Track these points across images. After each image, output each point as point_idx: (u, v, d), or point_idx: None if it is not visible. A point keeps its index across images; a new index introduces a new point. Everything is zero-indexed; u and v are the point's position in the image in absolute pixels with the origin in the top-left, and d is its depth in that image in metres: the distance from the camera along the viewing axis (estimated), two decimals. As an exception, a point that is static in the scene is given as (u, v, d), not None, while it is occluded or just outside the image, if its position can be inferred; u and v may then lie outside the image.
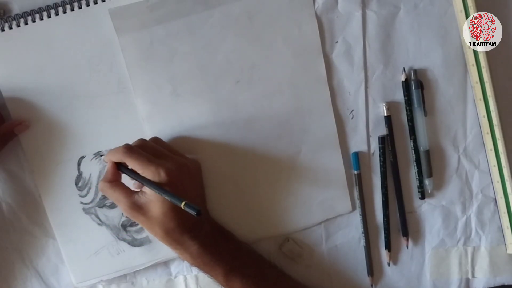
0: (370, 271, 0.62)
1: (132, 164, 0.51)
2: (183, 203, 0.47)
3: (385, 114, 0.59)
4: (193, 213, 0.46)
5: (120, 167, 0.53)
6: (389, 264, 0.62)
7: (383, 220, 0.61)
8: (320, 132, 0.59)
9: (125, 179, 0.54)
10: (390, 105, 0.60)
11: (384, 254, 0.63)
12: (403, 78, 0.59)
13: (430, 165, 0.60)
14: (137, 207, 0.52)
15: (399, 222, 0.62)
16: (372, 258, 0.62)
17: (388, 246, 0.62)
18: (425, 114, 0.60)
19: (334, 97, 0.59)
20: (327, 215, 0.61)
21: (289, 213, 0.60)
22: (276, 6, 0.57)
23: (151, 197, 0.51)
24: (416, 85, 0.59)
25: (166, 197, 0.49)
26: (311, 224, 0.61)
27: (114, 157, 0.52)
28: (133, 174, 0.52)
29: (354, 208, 0.61)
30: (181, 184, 0.52)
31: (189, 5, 0.56)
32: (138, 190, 0.53)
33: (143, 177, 0.51)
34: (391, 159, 0.60)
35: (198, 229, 0.54)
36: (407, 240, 0.62)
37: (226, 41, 0.57)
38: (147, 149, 0.53)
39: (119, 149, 0.52)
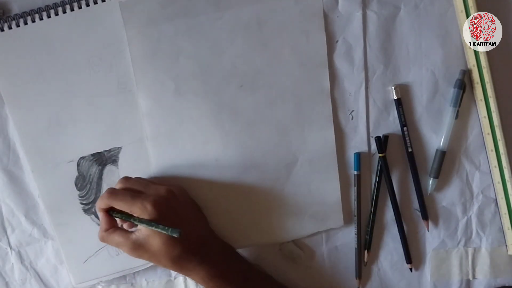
0: (358, 274, 0.62)
1: (118, 205, 0.52)
2: (160, 227, 0.49)
3: (395, 97, 0.59)
4: (175, 235, 0.48)
5: (111, 212, 0.54)
6: (365, 264, 0.62)
7: (370, 219, 0.61)
8: (318, 144, 0.59)
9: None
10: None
11: (384, 254, 0.63)
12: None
13: (441, 167, 0.60)
14: (139, 246, 0.52)
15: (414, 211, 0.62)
16: (372, 259, 0.62)
17: (368, 247, 0.62)
18: (456, 117, 0.59)
19: (334, 98, 0.59)
20: (318, 228, 0.61)
21: (281, 223, 0.60)
22: (286, 15, 0.57)
23: (147, 232, 0.51)
24: (460, 85, 0.59)
25: (155, 228, 0.50)
26: (301, 236, 0.61)
27: (101, 204, 0.53)
28: (123, 215, 0.53)
29: (346, 223, 0.61)
30: (172, 212, 0.53)
31: (200, 5, 0.56)
32: (133, 229, 0.54)
33: (132, 215, 0.52)
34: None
35: (206, 251, 0.54)
36: (427, 223, 0.62)
37: (233, 44, 0.57)
38: (129, 185, 0.54)
39: (103, 195, 0.52)
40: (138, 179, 0.56)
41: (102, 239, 0.54)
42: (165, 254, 0.52)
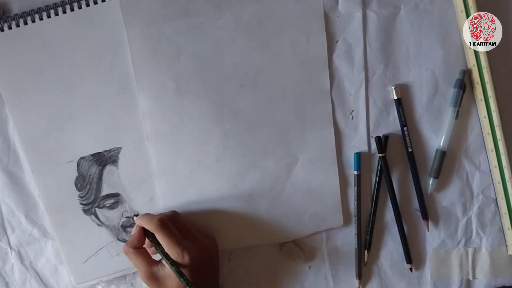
0: (358, 274, 0.62)
1: (161, 239, 0.52)
2: (184, 279, 0.51)
3: (395, 97, 0.59)
4: None
5: (147, 233, 0.54)
6: (365, 264, 0.62)
7: (370, 219, 0.61)
8: (318, 144, 0.59)
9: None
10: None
11: (384, 254, 0.62)
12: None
13: (441, 167, 0.60)
14: (154, 278, 0.53)
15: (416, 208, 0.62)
16: (372, 259, 0.62)
17: (368, 247, 0.62)
18: (456, 117, 0.59)
19: (334, 98, 0.59)
20: (318, 228, 0.61)
21: (280, 222, 0.60)
22: (287, 15, 0.57)
23: (169, 272, 0.53)
24: (460, 85, 0.59)
25: (181, 281, 0.51)
26: (301, 235, 0.61)
27: (146, 225, 0.54)
28: (157, 246, 0.53)
29: (346, 223, 0.61)
30: (201, 268, 0.54)
31: (201, 5, 0.56)
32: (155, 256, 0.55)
33: (166, 253, 0.52)
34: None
35: None
36: (427, 223, 0.62)
37: (234, 44, 0.57)
38: (177, 225, 0.55)
39: (153, 220, 0.53)
40: (185, 222, 0.57)
41: (126, 253, 0.55)
42: None
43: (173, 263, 0.52)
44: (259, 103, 0.58)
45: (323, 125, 0.59)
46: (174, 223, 0.55)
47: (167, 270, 0.53)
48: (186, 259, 0.52)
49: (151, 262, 0.54)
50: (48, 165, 0.58)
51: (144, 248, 0.55)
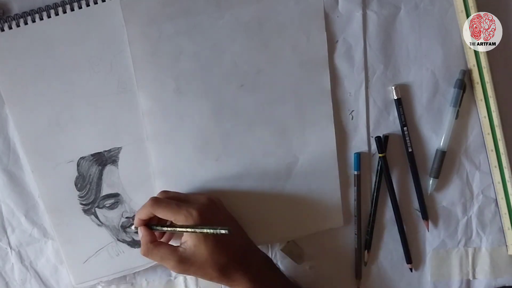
0: (359, 274, 0.62)
1: (162, 213, 0.52)
2: (207, 227, 0.49)
3: (395, 97, 0.59)
4: (225, 231, 0.48)
5: (151, 226, 0.54)
6: (365, 264, 0.62)
7: (370, 219, 0.61)
8: (319, 145, 0.59)
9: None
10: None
11: (384, 254, 0.62)
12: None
13: (441, 167, 0.60)
14: (185, 259, 0.51)
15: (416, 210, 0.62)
16: (372, 259, 0.62)
17: (368, 247, 0.62)
18: (456, 117, 0.59)
19: (334, 98, 0.59)
20: (318, 228, 0.61)
21: (281, 223, 0.60)
22: (287, 15, 0.57)
23: (194, 242, 0.51)
24: (460, 85, 0.59)
25: (205, 230, 0.49)
26: (301, 235, 0.61)
27: (143, 214, 0.53)
28: (166, 226, 0.53)
29: (346, 223, 0.61)
30: (215, 218, 0.53)
31: (201, 4, 0.56)
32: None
33: (176, 225, 0.51)
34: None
35: (249, 261, 0.54)
36: (427, 223, 0.62)
37: (234, 44, 0.57)
38: (169, 196, 0.54)
39: (145, 204, 0.53)
40: (176, 192, 0.56)
41: (146, 253, 0.53)
42: (212, 263, 0.51)
43: (194, 226, 0.50)
44: (259, 103, 0.58)
45: (323, 125, 0.59)
46: (167, 196, 0.54)
47: (190, 244, 0.51)
48: (194, 215, 0.50)
49: (174, 248, 0.52)
50: (48, 165, 0.58)
51: (158, 240, 0.54)
